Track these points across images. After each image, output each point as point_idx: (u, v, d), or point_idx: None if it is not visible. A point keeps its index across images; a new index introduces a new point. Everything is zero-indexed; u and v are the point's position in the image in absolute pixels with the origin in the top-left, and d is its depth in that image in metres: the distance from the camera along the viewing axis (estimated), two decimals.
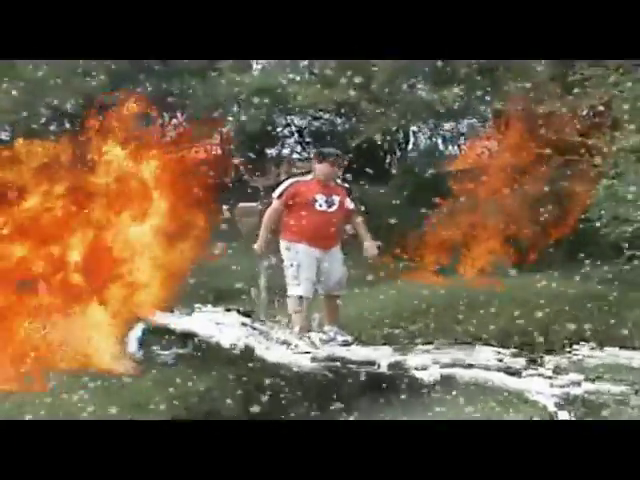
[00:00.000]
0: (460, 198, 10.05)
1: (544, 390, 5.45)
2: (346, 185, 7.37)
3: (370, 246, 7.10)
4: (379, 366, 6.41)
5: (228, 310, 7.51)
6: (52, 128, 13.20)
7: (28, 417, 5.73)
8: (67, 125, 12.69)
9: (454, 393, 5.98)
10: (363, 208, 7.53)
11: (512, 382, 5.88)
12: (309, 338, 6.89)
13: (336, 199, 6.99)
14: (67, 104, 12.00)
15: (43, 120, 12.72)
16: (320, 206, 6.92)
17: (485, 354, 6.34)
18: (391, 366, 6.43)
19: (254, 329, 7.36)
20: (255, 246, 7.13)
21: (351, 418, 5.81)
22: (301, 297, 6.96)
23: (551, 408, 5.20)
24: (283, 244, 7.06)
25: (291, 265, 6.96)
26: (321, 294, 7.15)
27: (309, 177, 7.12)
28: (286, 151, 15.81)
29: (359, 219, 7.21)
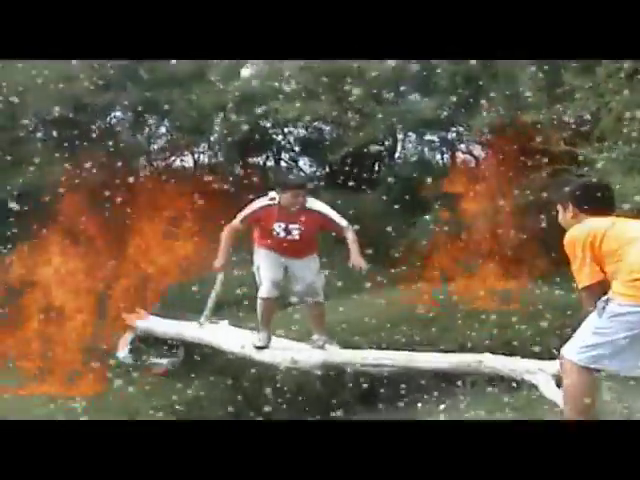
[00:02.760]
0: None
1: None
2: (320, 210, 6.85)
3: (355, 259, 6.64)
4: None
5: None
6: (39, 135, 13.12)
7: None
8: (54, 133, 12.49)
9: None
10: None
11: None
12: (258, 335, 7.05)
13: (295, 227, 6.74)
14: (53, 111, 11.83)
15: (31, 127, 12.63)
16: (277, 234, 6.76)
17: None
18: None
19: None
20: (215, 263, 6.87)
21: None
22: (263, 298, 6.90)
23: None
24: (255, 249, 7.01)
25: (256, 268, 6.92)
26: (296, 301, 7.06)
27: (275, 201, 6.80)
28: (270, 163, 15.72)
29: (349, 235, 6.77)
